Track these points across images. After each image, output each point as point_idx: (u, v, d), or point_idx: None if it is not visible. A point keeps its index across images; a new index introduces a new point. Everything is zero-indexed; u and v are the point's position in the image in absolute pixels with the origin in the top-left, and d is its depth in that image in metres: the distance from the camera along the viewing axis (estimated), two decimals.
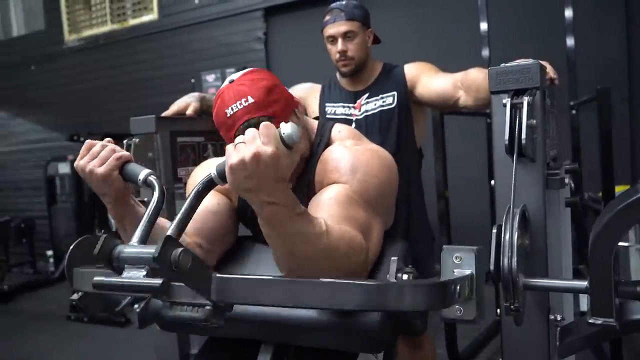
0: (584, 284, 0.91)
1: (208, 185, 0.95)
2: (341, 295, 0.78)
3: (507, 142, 0.97)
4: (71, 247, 0.94)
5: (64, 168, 5.12)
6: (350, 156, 1.17)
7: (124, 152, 1.04)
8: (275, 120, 1.06)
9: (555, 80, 1.27)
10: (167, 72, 4.53)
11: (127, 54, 4.91)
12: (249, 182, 0.87)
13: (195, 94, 1.77)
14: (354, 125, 1.79)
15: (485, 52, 2.87)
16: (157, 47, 4.69)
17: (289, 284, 0.83)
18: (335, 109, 1.82)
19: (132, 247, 0.84)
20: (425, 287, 0.83)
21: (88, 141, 1.05)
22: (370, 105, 1.78)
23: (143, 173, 1.02)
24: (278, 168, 0.87)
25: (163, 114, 1.70)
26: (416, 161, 1.82)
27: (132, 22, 4.88)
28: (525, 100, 0.98)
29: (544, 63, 1.23)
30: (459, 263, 0.96)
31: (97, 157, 1.02)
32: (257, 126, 0.99)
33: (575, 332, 1.05)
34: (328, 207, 1.08)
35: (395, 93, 1.75)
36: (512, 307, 0.90)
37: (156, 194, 0.96)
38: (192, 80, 4.21)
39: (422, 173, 1.93)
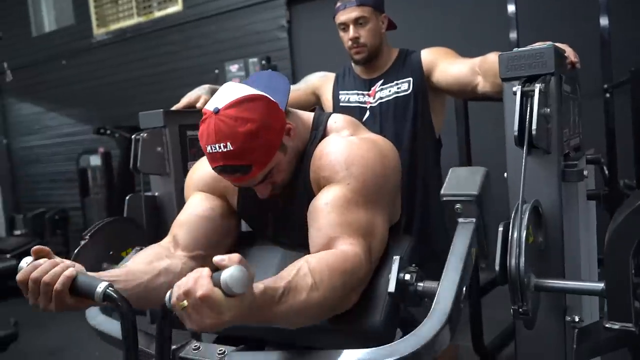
0: (600, 286, 0.84)
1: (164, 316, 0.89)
2: None
3: (516, 133, 0.91)
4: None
5: (95, 160, 5.21)
6: (344, 150, 1.10)
7: (76, 266, 0.92)
8: (254, 167, 1.04)
9: (577, 64, 1.19)
10: (192, 64, 4.54)
11: (153, 46, 4.93)
12: (202, 327, 0.79)
13: (206, 86, 1.75)
14: (368, 113, 1.73)
15: (513, 35, 2.74)
16: (182, 39, 4.69)
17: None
18: (349, 97, 1.77)
19: None
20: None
21: (35, 250, 0.93)
22: (384, 92, 1.71)
23: (101, 287, 0.87)
24: (221, 315, 0.77)
25: (174, 107, 1.68)
26: (434, 150, 1.75)
27: (158, 14, 4.90)
28: (537, 87, 0.91)
29: (562, 46, 1.15)
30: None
31: (47, 273, 0.89)
32: (233, 173, 1.03)
33: (593, 336, 0.98)
34: (326, 215, 1.04)
35: (410, 79, 1.68)
36: (520, 310, 0.84)
37: (124, 314, 0.86)
38: (216, 71, 4.20)
39: (443, 164, 1.85)
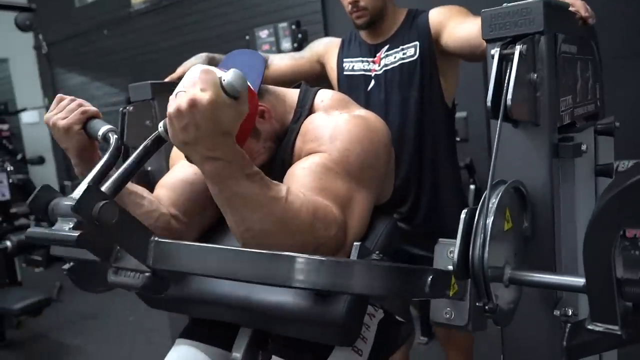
0: (581, 281, 0.72)
1: (156, 142, 0.89)
2: (275, 269, 0.67)
3: (489, 103, 0.78)
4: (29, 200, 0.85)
5: None
6: (330, 123, 1.04)
7: (91, 108, 1.03)
8: None
9: (589, 19, 1.03)
10: (224, 30, 4.47)
11: (187, 13, 4.90)
12: (187, 133, 0.79)
13: (203, 55, 1.68)
14: (373, 82, 1.61)
15: None
16: (214, 5, 4.63)
17: (221, 253, 0.73)
18: (354, 65, 1.65)
19: (67, 200, 0.78)
20: (378, 269, 0.71)
21: (59, 95, 1.06)
22: (390, 58, 1.58)
23: (103, 128, 0.97)
24: (218, 118, 0.79)
25: (168, 78, 1.63)
26: (445, 121, 1.62)
27: None
28: (517, 49, 0.78)
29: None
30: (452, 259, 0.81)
31: (63, 110, 1.01)
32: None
33: (587, 332, 0.87)
34: (302, 178, 0.96)
35: (417, 43, 1.54)
36: (486, 307, 0.74)
37: (110, 151, 0.91)
38: (247, 37, 4.11)
39: (466, 130, 1.72)
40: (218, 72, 0.83)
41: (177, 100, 0.80)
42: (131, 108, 1.42)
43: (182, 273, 0.79)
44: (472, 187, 3.08)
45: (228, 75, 0.79)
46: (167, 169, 1.51)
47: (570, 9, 0.99)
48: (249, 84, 1.01)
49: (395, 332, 1.16)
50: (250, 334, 1.08)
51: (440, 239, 0.88)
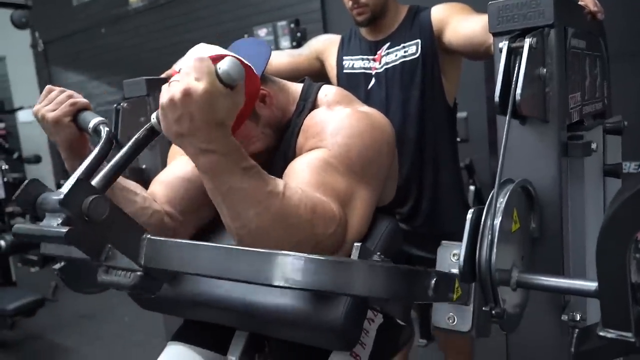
0: (593, 285, 0.69)
1: (149, 133, 0.84)
2: (272, 269, 0.63)
3: (497, 99, 0.75)
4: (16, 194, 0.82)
5: None
6: (333, 118, 1.00)
7: (81, 99, 1.00)
8: None
9: (598, 14, 1.00)
10: (223, 29, 4.43)
11: (185, 12, 4.87)
12: (180, 125, 0.76)
13: None
14: (373, 80, 1.58)
15: None
16: (213, 4, 4.60)
17: (216, 252, 0.69)
18: (354, 63, 1.61)
19: (55, 194, 0.74)
20: (381, 270, 0.67)
21: (48, 86, 1.02)
22: (391, 56, 1.55)
23: (94, 121, 0.94)
24: (213, 109, 0.75)
25: (164, 74, 1.59)
26: (446, 120, 1.58)
27: None
28: (527, 42, 0.75)
29: None
30: (457, 262, 0.78)
31: (52, 102, 0.98)
32: None
33: (596, 338, 0.83)
34: (301, 173, 0.92)
35: (419, 41, 1.51)
36: (493, 312, 0.70)
37: (101, 144, 0.87)
38: (246, 36, 4.08)
39: (466, 131, 1.69)
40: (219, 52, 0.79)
41: (170, 90, 0.76)
42: (125, 104, 1.38)
43: (175, 273, 0.75)
44: (471, 187, 3.05)
45: (224, 64, 0.75)
46: (162, 166, 1.48)
47: (579, 3, 0.96)
48: (251, 66, 0.98)
49: (395, 337, 1.13)
50: (246, 338, 1.04)
51: (443, 242, 0.84)
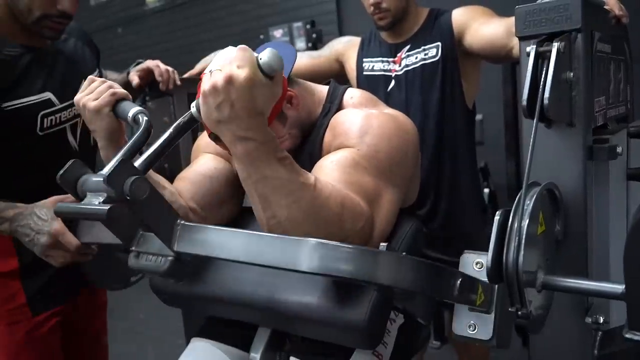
0: (620, 288, 0.70)
1: (189, 121, 0.88)
2: (302, 255, 0.66)
3: (525, 102, 0.76)
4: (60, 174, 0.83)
5: None
6: (360, 119, 1.02)
7: (121, 90, 1.02)
8: None
9: (623, 18, 1.00)
10: (238, 30, 4.47)
11: (202, 12, 4.91)
12: (221, 111, 0.78)
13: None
14: (393, 82, 1.59)
15: None
16: (229, 4, 4.63)
17: (248, 238, 0.71)
18: (374, 65, 1.63)
19: (97, 176, 0.78)
20: (410, 261, 0.69)
21: (90, 77, 1.05)
22: (411, 59, 1.56)
23: (134, 110, 0.97)
24: (253, 97, 0.77)
25: (187, 74, 1.62)
26: (465, 122, 1.59)
27: None
28: (555, 46, 0.76)
29: None
30: (480, 271, 0.79)
31: (94, 91, 1.00)
32: None
33: (620, 341, 0.84)
34: (329, 171, 0.94)
35: (439, 44, 1.52)
36: (519, 313, 0.71)
37: (140, 131, 0.91)
38: (261, 37, 4.11)
39: (482, 133, 1.69)
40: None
41: (212, 77, 0.78)
42: (150, 104, 1.41)
43: (207, 258, 0.77)
44: (486, 190, 3.05)
45: (265, 55, 0.78)
46: (183, 166, 1.50)
47: (605, 7, 0.97)
48: None
49: (415, 337, 1.14)
50: (269, 335, 1.06)
51: (465, 251, 0.85)
